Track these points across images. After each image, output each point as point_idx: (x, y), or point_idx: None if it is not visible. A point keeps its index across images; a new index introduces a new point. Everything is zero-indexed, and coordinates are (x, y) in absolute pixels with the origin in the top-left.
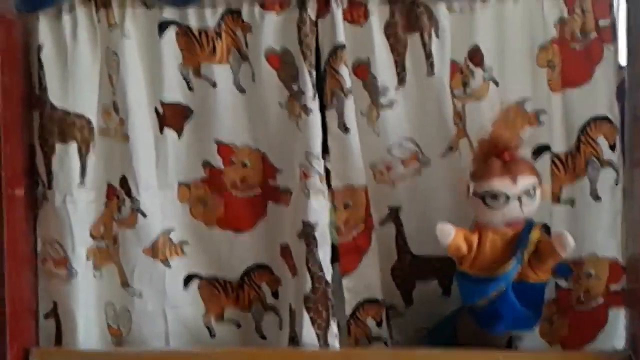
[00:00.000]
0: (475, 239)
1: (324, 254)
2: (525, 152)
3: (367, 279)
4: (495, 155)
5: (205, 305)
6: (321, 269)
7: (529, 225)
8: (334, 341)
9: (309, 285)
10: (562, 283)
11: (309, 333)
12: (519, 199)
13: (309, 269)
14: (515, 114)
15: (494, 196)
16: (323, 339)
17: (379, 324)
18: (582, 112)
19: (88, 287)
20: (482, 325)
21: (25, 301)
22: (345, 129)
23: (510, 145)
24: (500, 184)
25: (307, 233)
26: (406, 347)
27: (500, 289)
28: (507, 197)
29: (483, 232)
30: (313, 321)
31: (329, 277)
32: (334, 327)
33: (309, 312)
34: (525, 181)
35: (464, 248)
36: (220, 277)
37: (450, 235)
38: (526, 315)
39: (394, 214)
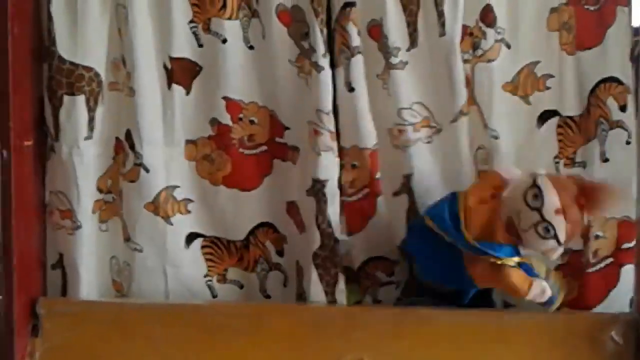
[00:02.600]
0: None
1: (334, 210)
2: (532, 117)
3: (375, 241)
4: (580, 199)
5: (207, 265)
6: (330, 226)
7: (512, 250)
8: (342, 298)
9: (317, 242)
10: (573, 246)
11: (316, 290)
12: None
13: (318, 226)
14: None
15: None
16: (331, 295)
17: (389, 276)
18: (594, 74)
19: (93, 240)
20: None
21: (33, 252)
22: (350, 88)
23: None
24: (556, 198)
25: (317, 190)
26: (410, 306)
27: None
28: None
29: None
30: (321, 278)
31: (337, 234)
32: (341, 284)
33: (317, 269)
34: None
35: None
36: (224, 237)
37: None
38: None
39: (407, 184)
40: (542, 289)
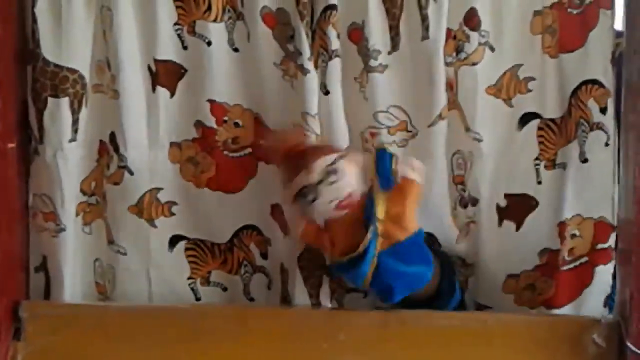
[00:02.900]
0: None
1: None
2: (514, 119)
3: None
4: (285, 158)
5: (190, 268)
6: None
7: (369, 198)
8: (326, 301)
9: (303, 244)
10: (551, 246)
11: (301, 292)
12: (324, 181)
13: None
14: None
15: (303, 195)
16: (315, 297)
17: None
18: (575, 76)
19: (77, 243)
20: (384, 300)
21: (15, 255)
22: (326, 91)
23: (290, 143)
24: (301, 178)
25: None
26: (396, 309)
27: (373, 263)
28: (314, 186)
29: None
30: (305, 280)
31: None
32: (326, 286)
33: (302, 271)
34: (320, 162)
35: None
36: (208, 239)
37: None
38: (415, 272)
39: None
40: (413, 168)
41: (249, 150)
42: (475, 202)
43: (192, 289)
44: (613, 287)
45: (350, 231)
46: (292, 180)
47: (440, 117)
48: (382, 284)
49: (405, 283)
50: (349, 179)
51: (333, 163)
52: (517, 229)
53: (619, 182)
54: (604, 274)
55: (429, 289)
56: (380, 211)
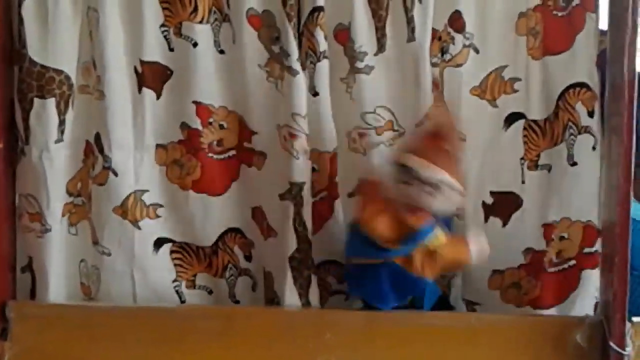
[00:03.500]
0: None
1: (307, 213)
2: (499, 119)
3: (329, 244)
4: (432, 136)
5: (176, 270)
6: (305, 229)
7: (429, 227)
8: (315, 300)
9: (294, 245)
10: (535, 246)
11: (291, 293)
12: (430, 185)
13: (295, 229)
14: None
15: (407, 171)
16: (305, 298)
17: (339, 282)
18: (562, 79)
19: (62, 243)
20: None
21: (2, 255)
22: (314, 92)
23: (452, 135)
24: (418, 161)
25: (295, 193)
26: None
27: (378, 260)
28: (418, 179)
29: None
30: (295, 280)
31: (310, 236)
32: (314, 286)
33: (292, 272)
34: (440, 174)
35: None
36: (193, 242)
37: None
38: (389, 296)
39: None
40: (479, 245)
41: (233, 152)
42: None
43: (177, 292)
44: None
45: (396, 231)
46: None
47: (427, 116)
48: (358, 276)
49: (374, 295)
50: (435, 203)
51: (441, 182)
52: (503, 225)
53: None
54: (591, 278)
55: None
56: (429, 242)
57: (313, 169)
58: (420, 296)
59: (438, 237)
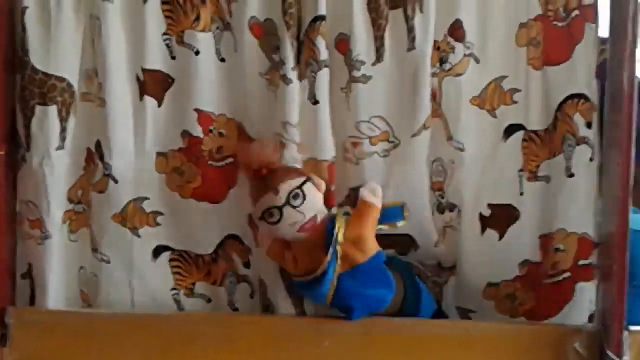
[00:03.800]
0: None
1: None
2: (498, 130)
3: None
4: (255, 176)
5: (175, 279)
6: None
7: (330, 222)
8: (310, 310)
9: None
10: (532, 258)
11: (285, 301)
12: (289, 204)
13: None
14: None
15: (268, 214)
16: (299, 307)
17: None
18: (561, 89)
19: (62, 250)
20: (347, 318)
21: (2, 261)
22: (314, 101)
23: (263, 160)
24: (267, 199)
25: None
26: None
27: (333, 285)
28: (279, 208)
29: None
30: (289, 289)
31: None
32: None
33: (284, 281)
34: (286, 186)
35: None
36: (192, 250)
37: None
38: (374, 294)
39: (353, 196)
40: (369, 191)
41: (231, 159)
42: (452, 208)
43: (176, 300)
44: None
45: (312, 252)
46: (259, 197)
47: (424, 126)
48: (342, 304)
49: (364, 304)
50: (312, 203)
51: (298, 187)
52: (500, 238)
53: (601, 197)
54: (585, 290)
55: (392, 307)
56: (340, 234)
57: None
58: (416, 306)
59: (339, 221)
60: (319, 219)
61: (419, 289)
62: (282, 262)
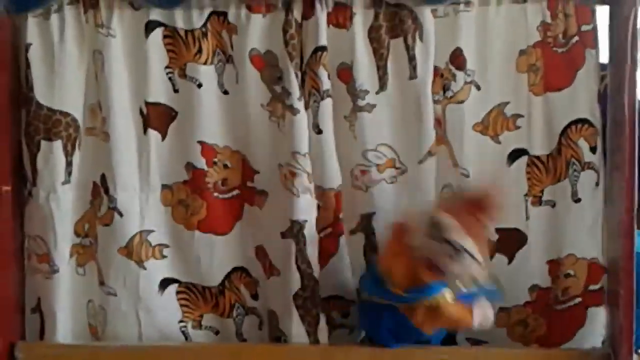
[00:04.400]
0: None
1: (312, 251)
2: (502, 155)
3: (335, 279)
4: (473, 204)
5: (182, 311)
6: (310, 267)
7: (438, 285)
8: (324, 337)
9: (298, 283)
10: (541, 283)
11: (298, 331)
12: (453, 249)
13: (298, 267)
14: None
15: (438, 228)
16: (313, 336)
17: (343, 316)
18: (563, 115)
19: (70, 284)
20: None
21: (11, 296)
22: (318, 130)
23: (491, 210)
24: (454, 234)
25: (296, 231)
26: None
27: (384, 301)
28: (445, 239)
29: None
30: (302, 319)
31: (317, 274)
32: (323, 323)
33: (298, 310)
34: (467, 242)
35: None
36: (199, 282)
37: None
38: (388, 338)
39: (364, 222)
40: (483, 313)
41: (238, 191)
42: None
43: (183, 332)
44: None
45: (407, 278)
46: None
47: (429, 153)
48: (365, 314)
49: (376, 333)
50: (452, 266)
51: (465, 251)
52: (509, 262)
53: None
54: (598, 315)
55: None
56: (434, 300)
57: (317, 206)
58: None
59: (445, 295)
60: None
61: None
62: (392, 261)
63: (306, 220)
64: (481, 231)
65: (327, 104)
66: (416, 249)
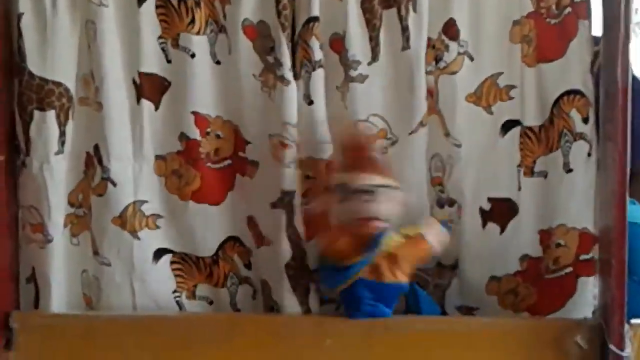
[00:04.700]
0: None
1: (299, 221)
2: (495, 126)
3: None
4: (354, 150)
5: (176, 281)
6: (299, 236)
7: (380, 232)
8: (316, 307)
9: (289, 253)
10: (532, 253)
11: (290, 300)
12: (359, 194)
13: (289, 237)
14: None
15: (339, 189)
16: (305, 305)
17: None
18: (556, 86)
19: (65, 254)
20: (348, 316)
21: (5, 266)
22: (309, 101)
23: (366, 141)
24: (344, 177)
25: (287, 201)
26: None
27: (352, 279)
28: (349, 191)
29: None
30: (294, 288)
31: (304, 245)
32: (313, 293)
33: (290, 280)
34: (367, 178)
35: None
36: (193, 253)
37: None
38: (377, 310)
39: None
40: (435, 233)
41: (230, 161)
42: (452, 203)
43: (178, 303)
44: None
45: (353, 246)
46: (354, 174)
47: (421, 124)
48: (347, 300)
49: (364, 312)
50: (379, 208)
51: (375, 187)
52: (501, 232)
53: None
54: (588, 285)
55: None
56: (386, 246)
57: (308, 177)
58: (416, 306)
59: (392, 237)
60: (378, 225)
61: (418, 299)
62: (332, 245)
63: (294, 191)
64: (374, 163)
65: (318, 75)
66: (343, 220)
